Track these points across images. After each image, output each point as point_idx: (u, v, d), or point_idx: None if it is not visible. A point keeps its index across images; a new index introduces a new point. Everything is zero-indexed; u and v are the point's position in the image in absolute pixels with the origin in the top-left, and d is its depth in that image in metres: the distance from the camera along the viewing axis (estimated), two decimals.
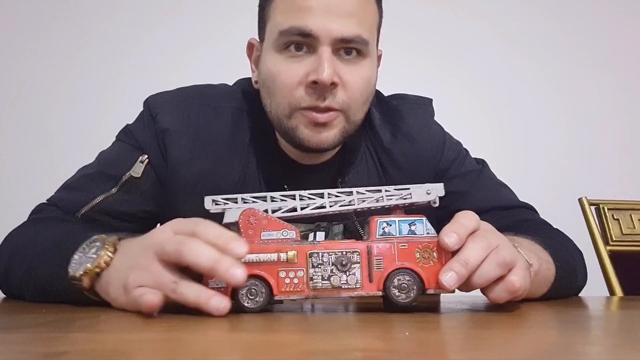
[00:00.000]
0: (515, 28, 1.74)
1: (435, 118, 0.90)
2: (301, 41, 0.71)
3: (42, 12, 1.64)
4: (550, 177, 1.58)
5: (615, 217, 1.16)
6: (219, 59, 1.33)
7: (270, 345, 0.39)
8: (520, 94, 1.73)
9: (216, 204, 0.57)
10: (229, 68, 0.90)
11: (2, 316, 0.57)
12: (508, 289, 0.53)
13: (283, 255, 0.53)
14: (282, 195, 0.57)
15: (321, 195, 0.58)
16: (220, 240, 0.51)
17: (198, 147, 0.78)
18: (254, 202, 0.57)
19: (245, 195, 0.57)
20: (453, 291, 0.53)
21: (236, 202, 0.57)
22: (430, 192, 0.58)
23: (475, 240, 0.54)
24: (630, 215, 1.18)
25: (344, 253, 0.53)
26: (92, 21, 1.65)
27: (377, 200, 0.58)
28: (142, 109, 0.82)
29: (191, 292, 0.50)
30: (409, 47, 1.58)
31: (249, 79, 0.84)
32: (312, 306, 0.63)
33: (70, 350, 0.38)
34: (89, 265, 0.55)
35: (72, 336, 0.43)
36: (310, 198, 0.58)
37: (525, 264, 0.57)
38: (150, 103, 0.81)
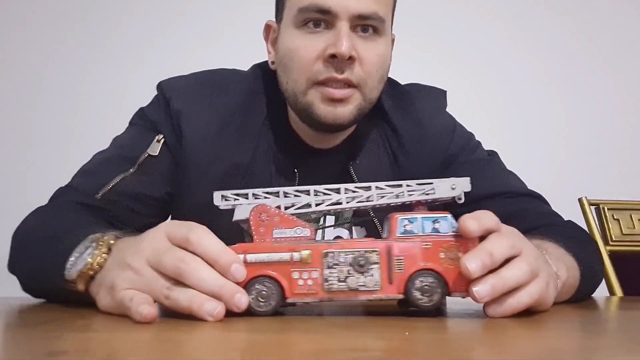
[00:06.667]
0: (518, 24, 1.74)
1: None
2: (320, 18, 0.73)
3: (56, 5, 1.63)
4: (550, 177, 1.58)
5: (615, 217, 1.16)
6: (234, 51, 1.32)
7: (267, 345, 0.39)
8: (520, 93, 1.72)
9: (226, 200, 0.53)
10: (245, 60, 0.89)
11: (3, 315, 0.57)
12: (524, 301, 0.50)
13: (296, 255, 0.50)
14: (295, 191, 0.53)
15: (337, 191, 0.54)
16: (220, 260, 0.49)
17: (210, 130, 0.78)
18: (265, 197, 0.53)
19: (256, 191, 0.53)
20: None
21: (247, 198, 0.53)
22: (455, 186, 0.53)
23: (499, 237, 0.50)
24: (630, 215, 1.18)
25: (362, 252, 0.50)
26: (106, 16, 1.64)
27: (397, 196, 0.53)
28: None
29: (185, 297, 0.49)
30: (411, 41, 1.58)
31: (265, 62, 0.84)
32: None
33: (69, 349, 0.38)
34: (81, 267, 0.53)
35: (71, 335, 0.43)
36: (325, 193, 0.54)
37: (550, 276, 0.54)
38: (164, 87, 0.81)
